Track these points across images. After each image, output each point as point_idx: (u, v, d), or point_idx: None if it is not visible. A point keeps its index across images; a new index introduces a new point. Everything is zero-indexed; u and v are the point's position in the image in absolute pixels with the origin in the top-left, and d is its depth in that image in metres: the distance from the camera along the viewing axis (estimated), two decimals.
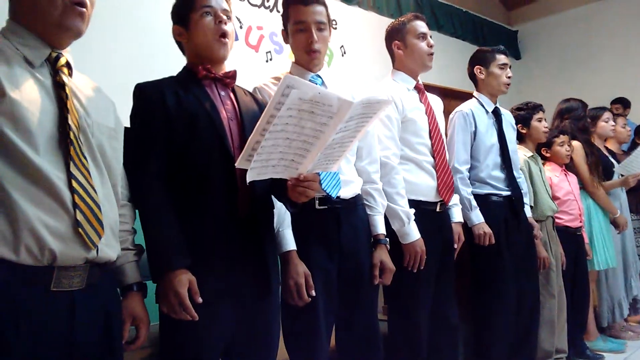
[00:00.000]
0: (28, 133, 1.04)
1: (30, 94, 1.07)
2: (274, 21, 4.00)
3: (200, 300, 1.33)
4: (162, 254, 1.34)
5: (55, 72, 1.14)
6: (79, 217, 1.08)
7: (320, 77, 1.87)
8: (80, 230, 1.08)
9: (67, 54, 1.19)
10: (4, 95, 1.02)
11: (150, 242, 1.37)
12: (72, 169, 1.09)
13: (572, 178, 3.22)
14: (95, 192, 1.13)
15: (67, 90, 1.13)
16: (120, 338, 1.26)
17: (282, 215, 1.69)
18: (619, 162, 3.55)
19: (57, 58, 1.16)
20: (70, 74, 1.18)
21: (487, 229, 2.44)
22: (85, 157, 1.13)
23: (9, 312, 1.00)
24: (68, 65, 1.18)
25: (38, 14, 1.12)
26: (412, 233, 2.04)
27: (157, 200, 1.38)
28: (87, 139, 1.16)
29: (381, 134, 2.09)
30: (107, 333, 1.18)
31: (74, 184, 1.08)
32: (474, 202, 2.47)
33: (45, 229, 1.03)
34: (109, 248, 1.18)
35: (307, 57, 1.82)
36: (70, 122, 1.11)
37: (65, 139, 1.10)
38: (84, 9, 1.15)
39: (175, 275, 1.32)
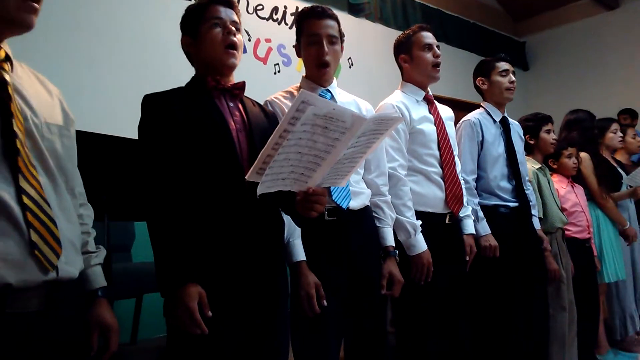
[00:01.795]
0: None
1: None
2: (282, 34, 4.03)
3: (210, 314, 1.32)
4: (172, 268, 1.33)
5: None
6: (34, 237, 0.96)
7: (330, 91, 1.89)
8: (36, 252, 0.96)
9: (4, 45, 1.05)
10: None
11: (160, 255, 1.35)
12: (22, 182, 0.97)
13: (579, 189, 3.20)
14: (49, 205, 1.01)
15: (10, 91, 1.00)
16: (86, 357, 1.17)
17: (292, 226, 1.69)
18: (627, 173, 3.53)
19: None
20: (10, 70, 1.05)
21: (494, 241, 2.42)
22: (34, 167, 1.01)
23: None
24: (8, 58, 1.05)
25: None
26: (419, 245, 2.03)
27: (166, 212, 1.36)
28: (35, 144, 1.03)
29: (388, 145, 2.09)
30: (70, 354, 1.09)
31: (25, 199, 0.96)
32: (480, 213, 2.45)
33: None
34: (70, 265, 1.07)
35: (317, 71, 1.85)
36: (15, 127, 0.98)
37: (10, 148, 0.97)
38: (38, 5, 1.04)
39: (186, 289, 1.30)
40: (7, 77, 1.02)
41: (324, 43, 1.80)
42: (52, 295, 1.03)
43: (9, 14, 1.01)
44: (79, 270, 1.12)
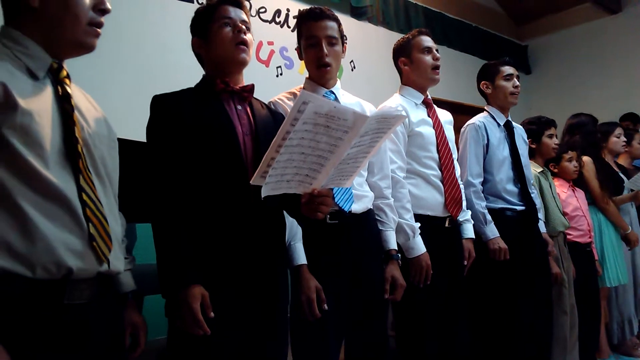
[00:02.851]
0: (38, 147, 1.02)
1: (39, 107, 1.04)
2: (285, 36, 4.04)
3: (212, 315, 1.32)
4: (175, 269, 1.34)
5: (57, 83, 1.12)
6: (92, 230, 1.07)
7: (333, 92, 1.90)
8: (94, 244, 1.07)
9: (64, 64, 1.18)
10: (17, 107, 1.00)
11: (163, 256, 1.36)
12: (81, 182, 1.08)
13: (580, 193, 3.20)
14: (101, 204, 1.12)
15: (72, 103, 1.12)
16: (125, 348, 1.27)
17: (293, 229, 1.69)
18: (629, 177, 3.52)
19: (59, 69, 1.14)
20: (70, 86, 1.17)
21: (503, 244, 2.41)
22: (90, 170, 1.12)
23: (24, 326, 0.99)
24: (69, 76, 1.17)
25: (56, 29, 1.11)
26: (417, 247, 2.03)
27: (171, 214, 1.37)
28: (89, 151, 1.14)
29: (387, 148, 2.09)
30: (117, 344, 1.19)
31: (84, 196, 1.07)
32: (488, 216, 2.45)
33: (62, 246, 1.02)
34: (118, 260, 1.18)
35: (317, 72, 1.85)
36: (77, 134, 1.10)
37: (72, 152, 1.08)
38: (100, 30, 1.17)
39: (189, 289, 1.31)
40: (69, 90, 1.14)
41: (323, 45, 1.80)
42: (100, 288, 1.13)
43: (79, 39, 1.14)
44: (123, 267, 1.22)
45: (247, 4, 1.61)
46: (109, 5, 1.18)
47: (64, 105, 1.11)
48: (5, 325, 0.96)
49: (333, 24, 1.84)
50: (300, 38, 1.88)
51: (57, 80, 1.13)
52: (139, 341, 1.34)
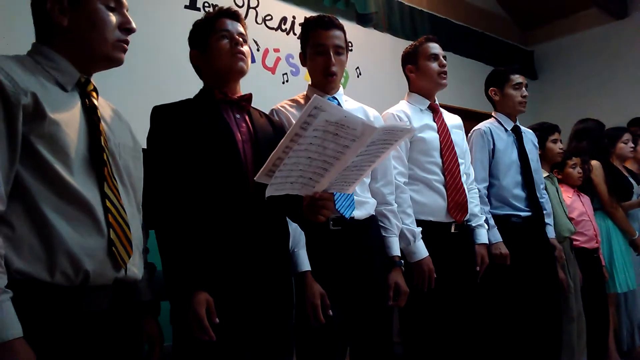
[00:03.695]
0: (64, 155, 1.06)
1: (67, 117, 1.09)
2: (291, 44, 4.05)
3: (217, 320, 1.33)
4: (181, 275, 1.35)
5: (84, 96, 1.18)
6: (112, 236, 1.10)
7: (336, 99, 1.90)
8: (113, 249, 1.10)
9: (92, 78, 1.24)
10: (45, 117, 1.05)
11: (169, 263, 1.38)
12: (106, 188, 1.12)
13: (585, 199, 3.19)
14: (125, 211, 1.16)
15: (99, 114, 1.18)
16: (140, 357, 1.27)
17: (297, 236, 1.70)
18: (638, 182, 3.50)
19: (86, 82, 1.20)
20: (97, 98, 1.23)
21: (505, 250, 2.41)
22: (115, 179, 1.16)
23: (43, 333, 1.01)
24: (95, 89, 1.23)
25: (84, 46, 1.17)
26: (419, 251, 2.03)
27: (175, 221, 1.39)
28: (115, 161, 1.19)
29: (391, 155, 2.09)
30: (133, 353, 1.20)
31: (107, 203, 1.11)
32: (491, 221, 2.45)
33: (80, 250, 1.05)
34: (136, 268, 1.20)
35: (324, 80, 1.86)
36: (102, 143, 1.15)
37: (98, 161, 1.13)
38: (127, 46, 1.24)
39: (195, 296, 1.33)
40: (96, 103, 1.20)
41: (331, 54, 1.81)
42: (118, 295, 1.16)
43: (108, 53, 1.20)
44: (141, 274, 1.25)
45: (245, 13, 1.64)
46: (134, 25, 1.25)
47: (91, 116, 1.16)
48: (25, 330, 0.96)
49: (340, 34, 1.85)
50: (307, 45, 1.88)
51: (85, 93, 1.19)
52: (153, 352, 1.35)
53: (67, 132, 1.08)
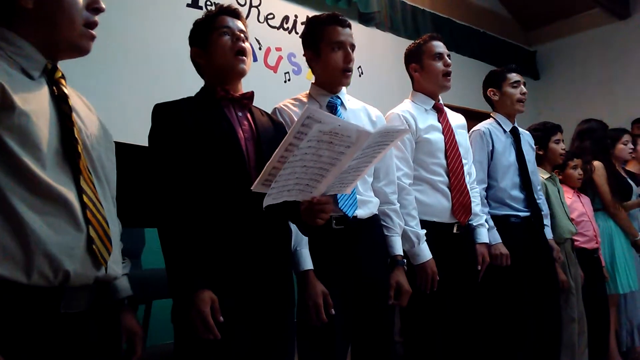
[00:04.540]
0: (35, 148, 0.99)
1: (36, 108, 1.02)
2: (293, 42, 4.05)
3: (221, 319, 1.32)
4: (185, 273, 1.34)
5: (52, 83, 1.10)
6: (92, 233, 1.05)
7: (339, 98, 1.90)
8: (93, 247, 1.04)
9: (59, 65, 1.16)
10: (14, 108, 0.97)
11: (172, 261, 1.37)
12: (82, 183, 1.06)
13: (585, 199, 3.19)
14: (102, 206, 1.10)
15: (70, 103, 1.11)
16: (122, 356, 1.24)
17: (299, 234, 1.70)
18: (638, 183, 3.50)
19: (53, 69, 1.12)
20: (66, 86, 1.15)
21: (504, 250, 2.40)
22: (90, 172, 1.10)
23: (20, 336, 0.96)
24: (63, 77, 1.15)
25: (51, 30, 1.10)
26: (423, 254, 2.03)
27: (178, 219, 1.38)
28: (88, 153, 1.13)
29: (393, 155, 2.08)
30: (113, 353, 1.17)
31: (85, 198, 1.05)
32: (491, 222, 2.45)
33: (59, 249, 0.99)
34: (116, 265, 1.15)
35: (341, 76, 1.86)
36: (76, 134, 1.08)
37: (71, 153, 1.06)
38: (94, 32, 1.16)
39: (199, 294, 1.32)
40: (66, 91, 1.12)
41: (350, 51, 1.83)
42: (97, 295, 1.10)
43: (74, 41, 1.12)
44: (121, 271, 1.20)
45: (247, 12, 1.63)
46: (102, 4, 1.17)
47: (62, 105, 1.09)
48: (1, 335, 0.92)
49: (352, 33, 1.88)
50: (320, 42, 1.85)
51: (52, 80, 1.11)
52: (135, 349, 1.30)
53: (38, 123, 1.00)
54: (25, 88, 1.03)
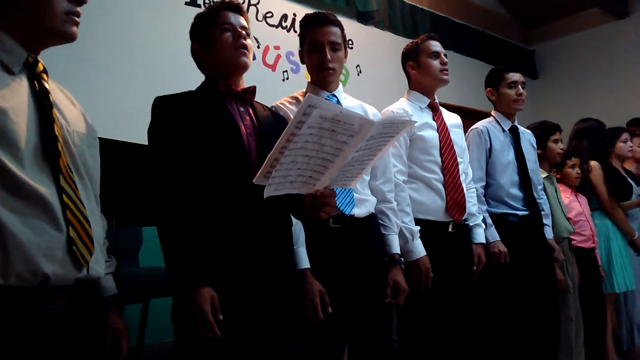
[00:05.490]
0: (13, 146, 0.96)
1: (15, 104, 0.99)
2: (291, 41, 4.05)
3: (221, 317, 1.31)
4: (184, 271, 1.33)
5: (33, 78, 1.08)
6: (72, 233, 1.02)
7: (335, 96, 1.90)
8: (74, 248, 1.02)
9: (40, 58, 1.13)
10: None
11: (171, 258, 1.35)
12: (62, 182, 1.03)
13: (583, 199, 3.19)
14: (84, 206, 1.07)
15: (51, 98, 1.07)
16: (107, 356, 1.22)
17: (296, 233, 1.69)
18: (637, 182, 3.51)
19: (35, 63, 1.09)
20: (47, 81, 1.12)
21: (503, 247, 2.41)
22: (71, 170, 1.07)
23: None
24: (45, 71, 1.12)
25: (31, 21, 1.07)
26: (417, 250, 2.03)
27: (178, 216, 1.36)
28: (69, 150, 1.10)
29: (390, 153, 2.09)
30: (97, 353, 1.14)
31: (65, 198, 1.02)
32: (489, 220, 2.45)
33: (38, 250, 0.96)
34: (98, 265, 1.13)
35: (320, 76, 1.86)
36: (56, 132, 1.05)
37: (51, 151, 1.03)
38: (78, 19, 1.12)
39: (199, 291, 1.31)
40: (47, 86, 1.09)
41: (327, 50, 1.81)
42: (78, 295, 1.08)
43: (56, 27, 1.09)
44: (103, 271, 1.17)
45: (246, 10, 1.61)
46: None
47: (42, 101, 1.06)
48: None
49: (336, 30, 1.84)
50: (304, 42, 1.89)
51: (34, 75, 1.08)
52: (121, 348, 1.28)
53: (16, 120, 0.97)
54: (4, 83, 1.01)
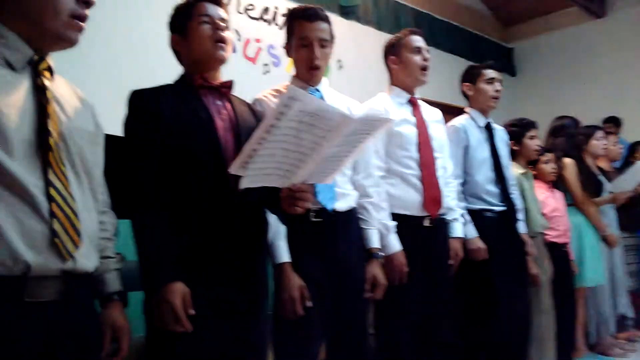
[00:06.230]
0: (3, 138, 0.99)
1: (9, 97, 1.02)
2: (272, 34, 4.03)
3: (193, 312, 1.31)
4: (157, 266, 1.33)
5: (36, 75, 1.10)
6: (56, 226, 1.04)
7: (319, 90, 1.89)
8: (56, 240, 1.04)
9: (49, 57, 1.15)
10: None
11: (144, 252, 1.35)
12: (51, 176, 1.05)
13: (558, 194, 3.24)
14: (74, 200, 1.09)
15: (48, 95, 1.10)
16: (99, 351, 1.21)
17: (277, 227, 1.69)
18: (609, 180, 3.58)
19: (40, 61, 1.12)
20: (51, 78, 1.15)
21: (482, 244, 2.44)
22: (63, 164, 1.09)
23: None
24: (49, 69, 1.14)
25: (36, 21, 1.09)
26: (392, 245, 2.04)
27: (151, 210, 1.36)
28: (66, 146, 1.12)
29: (372, 149, 2.09)
30: (84, 346, 1.13)
31: (52, 191, 1.05)
32: (467, 217, 2.48)
33: (19, 239, 0.99)
34: (87, 259, 1.14)
35: (307, 73, 1.84)
36: (50, 127, 1.07)
37: (43, 145, 1.05)
38: (84, 24, 1.14)
39: (171, 286, 1.30)
40: (46, 82, 1.11)
41: (315, 47, 1.79)
42: (68, 286, 1.09)
43: (58, 32, 1.11)
44: (94, 266, 1.18)
45: (227, 2, 1.60)
46: None
47: (40, 97, 1.08)
48: None
49: (326, 26, 1.83)
50: (291, 36, 1.85)
51: (37, 72, 1.10)
52: (121, 345, 1.28)
53: (8, 113, 1.00)
54: (4, 80, 1.04)
